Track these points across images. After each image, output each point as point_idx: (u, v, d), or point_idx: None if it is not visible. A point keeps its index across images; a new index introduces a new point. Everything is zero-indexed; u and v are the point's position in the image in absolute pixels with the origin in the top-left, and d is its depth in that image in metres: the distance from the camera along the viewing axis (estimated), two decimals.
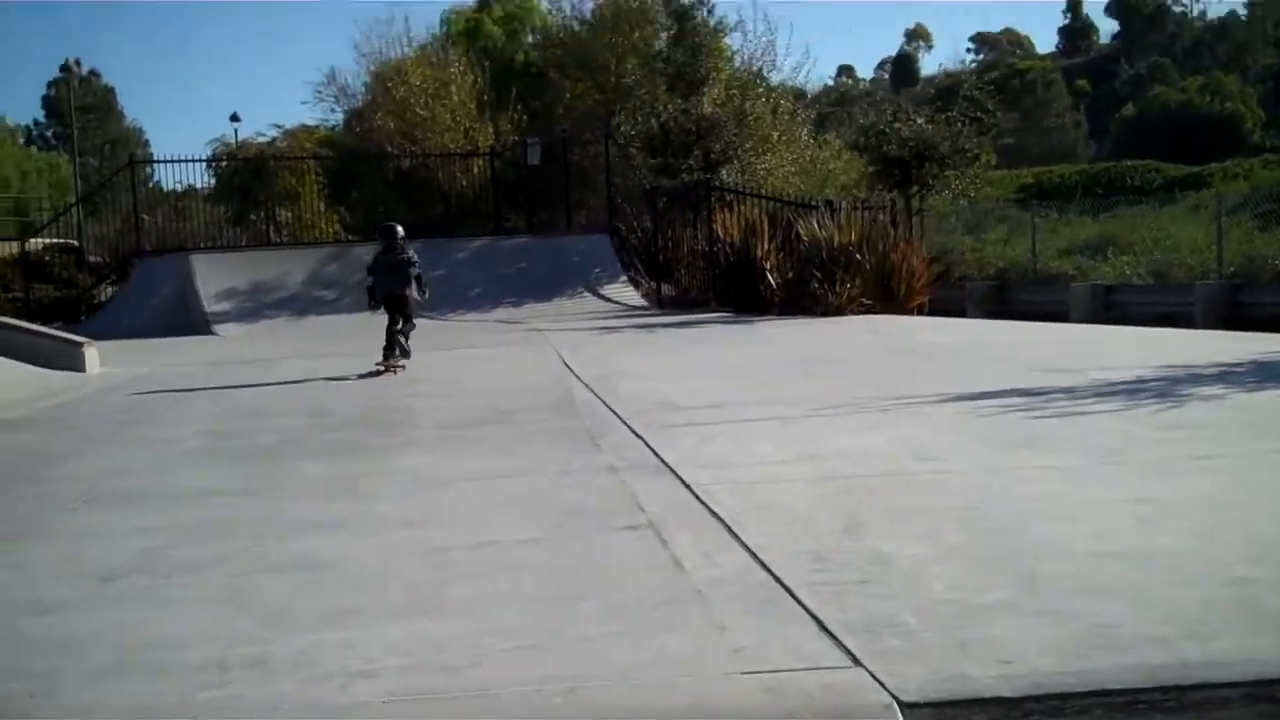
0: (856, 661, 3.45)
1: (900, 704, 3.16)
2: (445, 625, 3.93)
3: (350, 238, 29.57)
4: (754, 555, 4.63)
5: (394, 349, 12.88)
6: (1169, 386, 8.67)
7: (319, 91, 37.02)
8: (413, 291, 13.29)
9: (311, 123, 38.75)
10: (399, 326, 13.15)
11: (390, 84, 33.44)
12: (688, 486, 5.97)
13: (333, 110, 37.95)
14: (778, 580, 4.29)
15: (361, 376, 12.18)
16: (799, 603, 4.02)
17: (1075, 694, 3.21)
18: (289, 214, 31.02)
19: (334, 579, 4.59)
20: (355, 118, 36.74)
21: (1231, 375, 9.16)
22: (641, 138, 25.59)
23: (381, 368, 12.59)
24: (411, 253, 13.72)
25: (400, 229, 13.91)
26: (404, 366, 12.75)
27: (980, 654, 3.47)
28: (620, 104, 29.54)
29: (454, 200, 29.94)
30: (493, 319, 20.63)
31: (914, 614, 3.85)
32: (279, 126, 39.86)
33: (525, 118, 34.00)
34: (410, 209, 31.04)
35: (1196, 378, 9.05)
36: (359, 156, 32.33)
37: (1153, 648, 3.46)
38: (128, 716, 3.33)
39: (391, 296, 13.32)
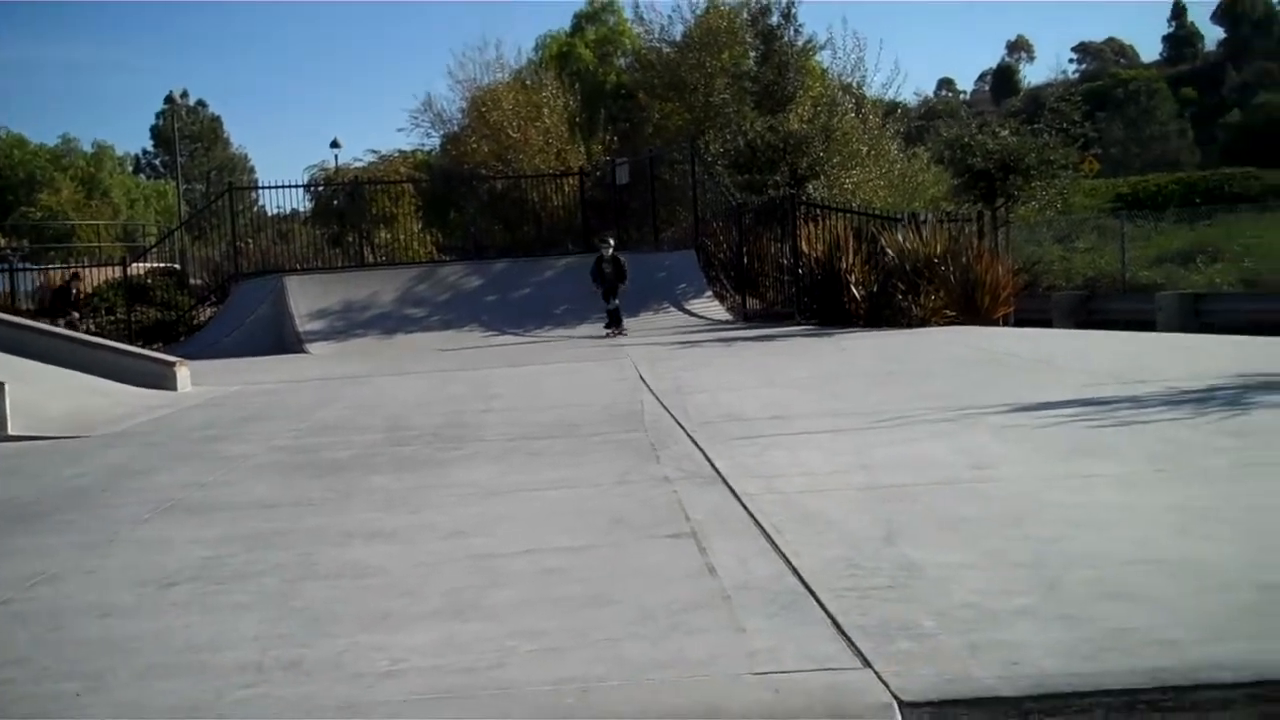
0: (866, 663, 3.52)
1: (900, 703, 3.22)
2: (475, 628, 4.06)
3: (443, 257, 30.07)
4: (788, 562, 4.71)
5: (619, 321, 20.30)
6: (1240, 395, 8.57)
7: (415, 117, 37.82)
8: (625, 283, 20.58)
9: (408, 148, 39.53)
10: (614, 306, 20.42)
11: (484, 108, 34.01)
12: (736, 496, 6.06)
13: (429, 135, 38.76)
14: (806, 585, 4.37)
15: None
16: (822, 607, 4.10)
17: (1075, 694, 3.25)
18: (385, 235, 31.64)
19: (378, 585, 4.74)
20: (450, 142, 37.40)
21: None
22: (728, 155, 25.70)
23: (615, 332, 19.94)
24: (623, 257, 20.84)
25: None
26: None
27: (989, 656, 3.52)
28: (708, 123, 29.73)
29: (545, 219, 30.37)
30: (577, 334, 20.84)
31: (932, 618, 3.91)
32: (375, 152, 40.60)
33: (615, 138, 34.36)
34: (503, 228, 31.59)
35: (1272, 386, 8.93)
36: (453, 179, 32.84)
37: (1161, 650, 3.49)
38: (165, 714, 3.50)
39: (613, 286, 20.39)
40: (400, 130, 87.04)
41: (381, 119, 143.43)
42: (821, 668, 3.50)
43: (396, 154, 39.11)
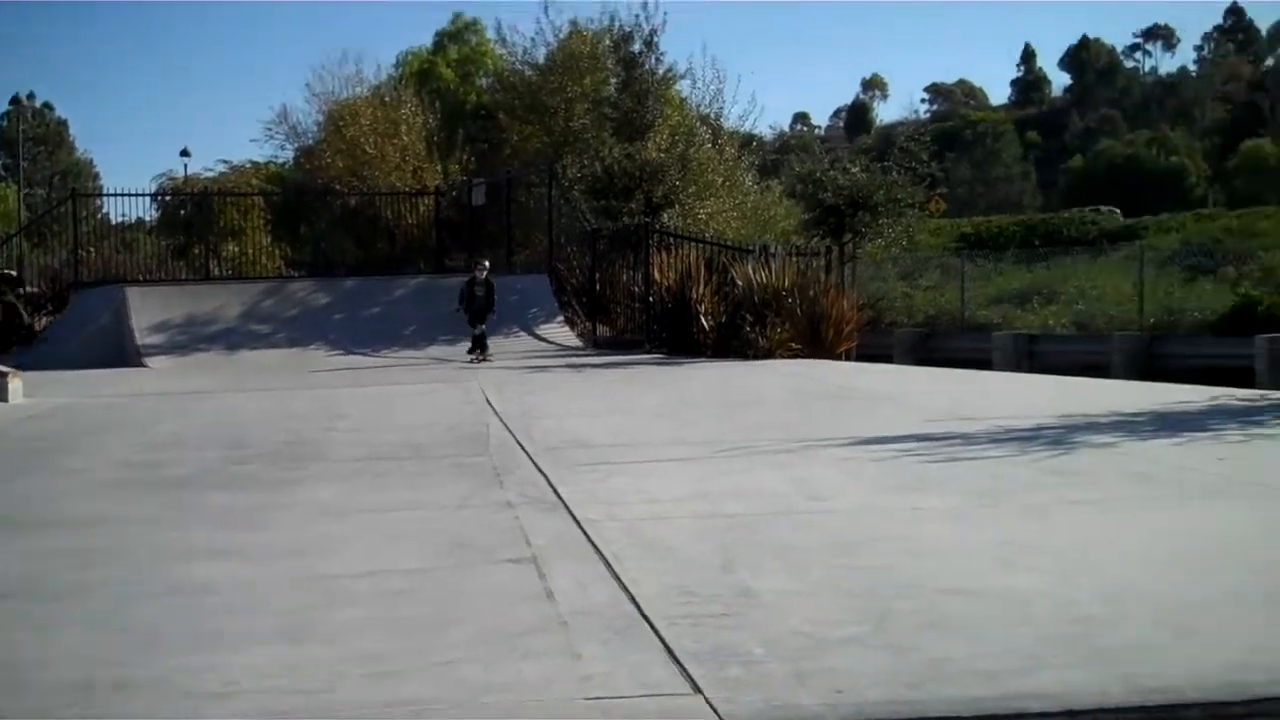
0: (697, 689, 3.60)
1: None
2: (311, 650, 4.05)
3: (292, 273, 29.65)
4: (625, 588, 4.78)
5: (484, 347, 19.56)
6: (1064, 434, 8.91)
7: (270, 129, 37.23)
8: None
9: (260, 159, 38.91)
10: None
11: (341, 123, 33.66)
12: (578, 522, 6.12)
13: (282, 148, 38.20)
14: (642, 612, 4.44)
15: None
16: (656, 633, 4.17)
17: None
18: (233, 249, 31.09)
19: (212, 604, 4.69)
20: (305, 155, 36.93)
21: (1128, 424, 9.41)
22: (585, 180, 25.81)
23: (478, 357, 19.13)
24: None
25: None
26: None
27: (816, 684, 3.63)
28: (567, 147, 29.82)
29: (399, 238, 30.16)
30: (426, 356, 20.71)
31: (763, 645, 4.01)
32: (226, 162, 39.93)
33: (473, 158, 34.25)
34: (355, 246, 31.25)
35: (1093, 426, 9.30)
36: (305, 193, 32.43)
37: (980, 680, 3.63)
38: None
39: (482, 311, 19.84)
40: (254, 141, 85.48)
41: (234, 129, 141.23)
42: (653, 693, 3.57)
43: (248, 165, 38.56)
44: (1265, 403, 11.19)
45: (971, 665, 3.77)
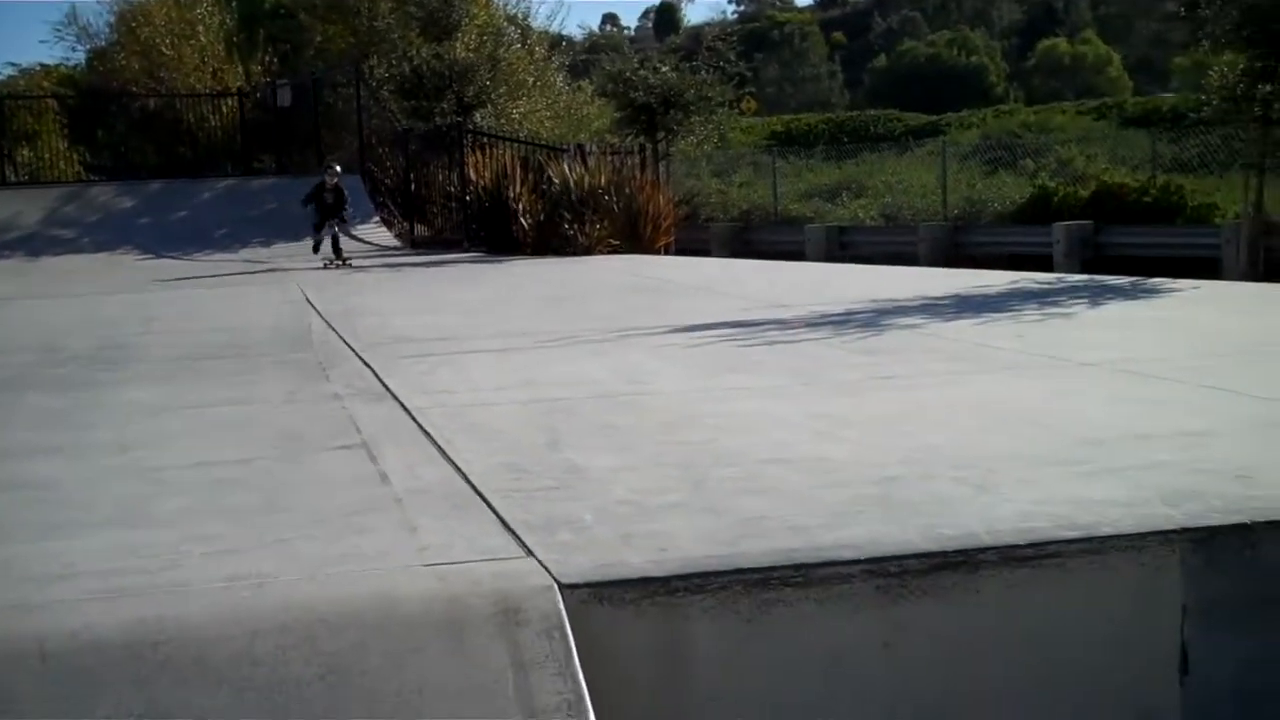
0: (530, 553, 3.77)
1: (560, 585, 3.50)
2: (148, 534, 4.11)
3: (92, 178, 28.69)
4: (457, 468, 4.93)
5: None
6: (874, 318, 9.30)
7: (58, 30, 35.64)
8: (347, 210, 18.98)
9: (51, 62, 37.34)
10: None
11: (135, 24, 32.41)
12: (406, 410, 6.23)
13: (74, 49, 36.63)
14: (474, 488, 4.60)
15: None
16: (490, 506, 4.33)
17: (716, 572, 3.60)
18: (28, 153, 29.90)
19: (44, 497, 4.70)
20: (98, 57, 35.45)
21: (933, 307, 9.86)
22: (394, 81, 25.42)
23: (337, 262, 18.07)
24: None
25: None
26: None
27: (642, 544, 3.84)
28: (373, 48, 29.23)
29: (203, 141, 29.34)
30: (240, 258, 20.36)
31: (591, 513, 4.20)
32: (15, 65, 38.23)
33: (275, 60, 33.33)
34: (157, 150, 30.26)
35: (901, 310, 9.72)
36: (101, 96, 31.25)
37: (793, 535, 3.88)
38: None
39: (332, 213, 18.59)
40: (43, 43, 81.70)
41: (21, 31, 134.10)
42: (488, 558, 3.74)
43: (38, 68, 36.95)
44: (1061, 285, 11.78)
45: (785, 523, 4.02)
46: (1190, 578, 3.80)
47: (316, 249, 18.96)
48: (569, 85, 32.42)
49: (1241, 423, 5.29)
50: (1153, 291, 10.68)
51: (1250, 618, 3.86)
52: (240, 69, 32.19)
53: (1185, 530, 3.84)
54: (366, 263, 18.66)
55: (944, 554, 3.73)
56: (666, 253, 19.47)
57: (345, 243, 21.64)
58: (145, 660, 3.14)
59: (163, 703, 3.07)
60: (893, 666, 3.66)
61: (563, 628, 3.35)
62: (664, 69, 22.13)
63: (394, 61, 26.20)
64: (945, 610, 3.68)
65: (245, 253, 20.96)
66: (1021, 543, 3.79)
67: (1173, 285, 11.00)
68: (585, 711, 3.19)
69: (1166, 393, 6.03)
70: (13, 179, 27.08)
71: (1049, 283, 11.96)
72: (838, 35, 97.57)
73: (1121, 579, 3.78)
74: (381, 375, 7.37)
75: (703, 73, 22.41)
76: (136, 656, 3.15)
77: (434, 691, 3.18)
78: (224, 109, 29.14)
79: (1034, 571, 3.74)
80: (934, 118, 39.21)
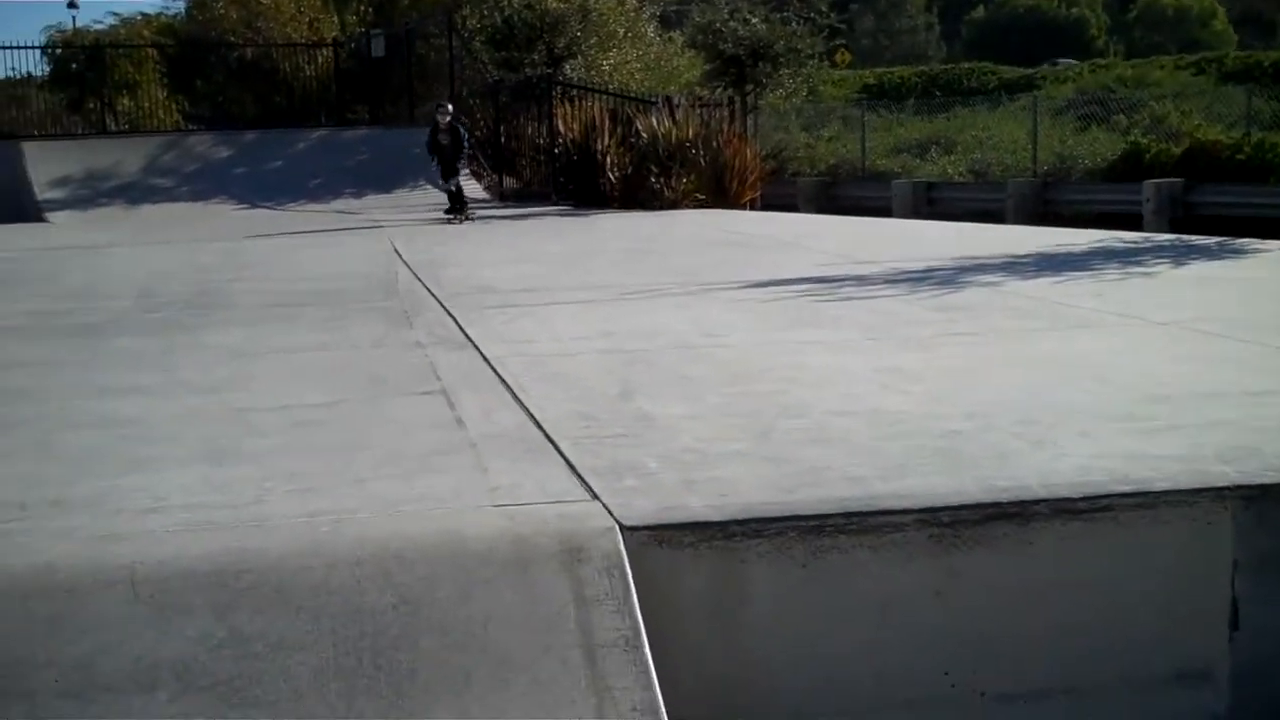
0: (595, 496, 3.92)
1: (622, 527, 3.64)
2: (234, 471, 4.31)
3: (190, 127, 29.24)
4: (530, 415, 5.09)
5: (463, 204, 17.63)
6: (954, 275, 9.32)
7: None
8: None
9: (151, 11, 38.04)
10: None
11: None
12: (485, 359, 6.40)
13: None
14: (546, 434, 4.75)
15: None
16: (559, 452, 4.49)
17: (773, 518, 3.73)
18: (128, 103, 30.51)
19: (135, 434, 4.92)
20: (197, 6, 35.96)
21: (1014, 265, 9.85)
22: (486, 32, 25.61)
23: (459, 217, 17.22)
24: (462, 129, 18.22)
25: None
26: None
27: (704, 490, 3.97)
28: None
29: (298, 92, 29.74)
30: (332, 209, 20.70)
31: (657, 460, 4.34)
32: (116, 15, 38.95)
33: (370, 9, 33.63)
34: (254, 99, 30.73)
35: (982, 267, 9.72)
36: (200, 45, 31.76)
37: (850, 484, 3.99)
38: None
39: (452, 162, 17.60)
40: None
41: None
42: (555, 501, 3.89)
43: (139, 17, 37.59)
44: (1147, 245, 11.67)
45: (843, 473, 4.12)
46: (1241, 533, 3.86)
47: (452, 207, 17.70)
48: (660, 36, 32.36)
49: None
50: (1239, 252, 10.56)
51: None
52: (336, 19, 32.56)
53: (1238, 487, 3.89)
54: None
55: (998, 505, 3.82)
56: (752, 207, 19.50)
57: (433, 195, 21.97)
58: (228, 588, 3.33)
59: (244, 628, 3.26)
60: (944, 614, 3.76)
61: (622, 567, 3.50)
62: (754, 20, 22.07)
63: (486, 12, 26.38)
64: (998, 560, 3.77)
65: (338, 203, 21.29)
66: (1075, 495, 3.87)
67: (1260, 246, 10.86)
68: (642, 647, 3.34)
69: (1237, 352, 6.03)
70: (113, 128, 27.68)
71: (1134, 242, 11.86)
72: None
73: (1174, 533, 3.84)
74: (463, 324, 7.55)
75: (793, 24, 22.29)
76: (220, 585, 3.35)
77: (499, 622, 3.34)
78: (319, 59, 29.50)
79: (1087, 524, 3.82)
80: (1029, 71, 38.64)
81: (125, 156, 23.04)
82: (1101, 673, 3.83)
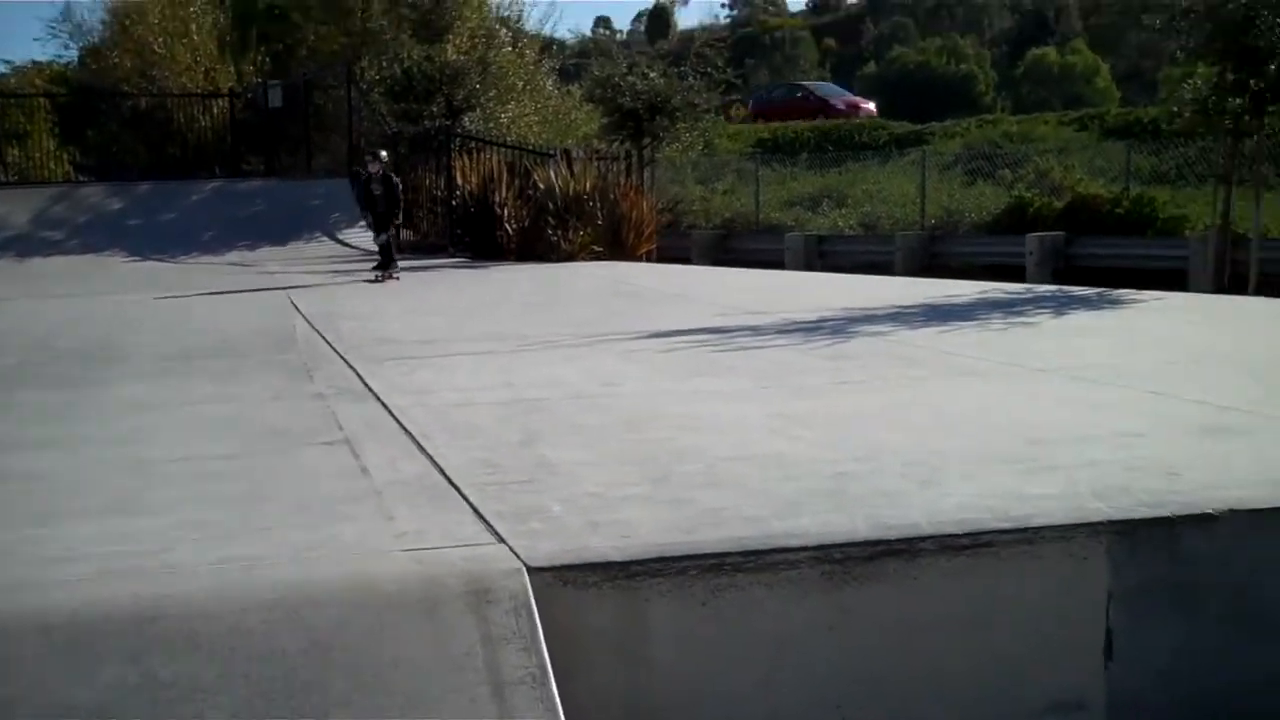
0: (501, 540, 4.04)
1: (528, 568, 3.77)
2: (142, 522, 4.37)
3: (81, 178, 28.90)
4: (434, 463, 5.20)
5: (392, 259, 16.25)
6: (844, 325, 9.59)
7: (53, 27, 35.98)
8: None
9: (44, 59, 37.57)
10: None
11: (128, 21, 32.60)
12: (387, 409, 6.49)
13: (67, 47, 36.90)
14: (450, 481, 4.87)
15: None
16: (464, 498, 4.61)
17: (674, 557, 3.88)
18: (17, 153, 30.09)
19: (41, 488, 4.95)
20: (91, 55, 35.64)
21: (902, 315, 10.15)
22: (385, 83, 25.70)
23: (384, 275, 15.85)
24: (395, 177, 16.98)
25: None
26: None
27: (607, 532, 4.11)
28: (365, 49, 29.51)
29: (192, 142, 29.53)
30: (225, 262, 20.56)
31: (560, 504, 4.48)
32: (8, 62, 38.42)
33: (268, 60, 33.58)
34: (147, 150, 30.44)
35: (871, 318, 10.01)
36: (93, 94, 31.45)
37: (747, 525, 4.16)
38: None
39: (386, 215, 16.34)
40: (37, 40, 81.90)
41: (15, 27, 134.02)
42: (462, 544, 4.01)
43: (30, 65, 37.16)
44: (1029, 295, 12.09)
45: (739, 513, 4.29)
46: (1115, 567, 4.08)
47: (381, 263, 16.30)
48: (559, 89, 32.68)
49: (1178, 426, 5.58)
50: (1116, 302, 10.99)
51: (1171, 605, 4.14)
52: (232, 69, 32.43)
53: (1112, 522, 4.13)
54: (352, 266, 18.87)
55: (887, 542, 4.01)
56: (648, 259, 19.75)
57: (330, 247, 21.95)
58: (142, 635, 3.40)
59: (158, 674, 3.33)
60: (836, 650, 3.94)
61: (529, 606, 3.62)
62: (652, 75, 22.40)
63: (385, 63, 26.49)
64: (886, 595, 3.96)
65: (232, 255, 21.16)
66: (959, 532, 4.07)
67: (1136, 296, 11.31)
68: (548, 683, 3.46)
69: (1113, 397, 6.32)
70: (2, 179, 27.27)
71: (1017, 293, 12.27)
72: (829, 41, 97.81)
73: (1051, 567, 4.06)
74: (364, 376, 7.63)
75: (690, 79, 22.69)
76: (133, 631, 3.42)
77: (409, 663, 3.45)
78: (215, 109, 29.33)
79: (970, 559, 4.02)
80: (919, 126, 39.57)
81: (14, 208, 22.70)
82: (982, 705, 4.01)
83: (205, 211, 23.20)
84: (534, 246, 19.34)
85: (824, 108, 46.30)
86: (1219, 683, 4.14)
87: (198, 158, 28.85)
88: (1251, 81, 15.43)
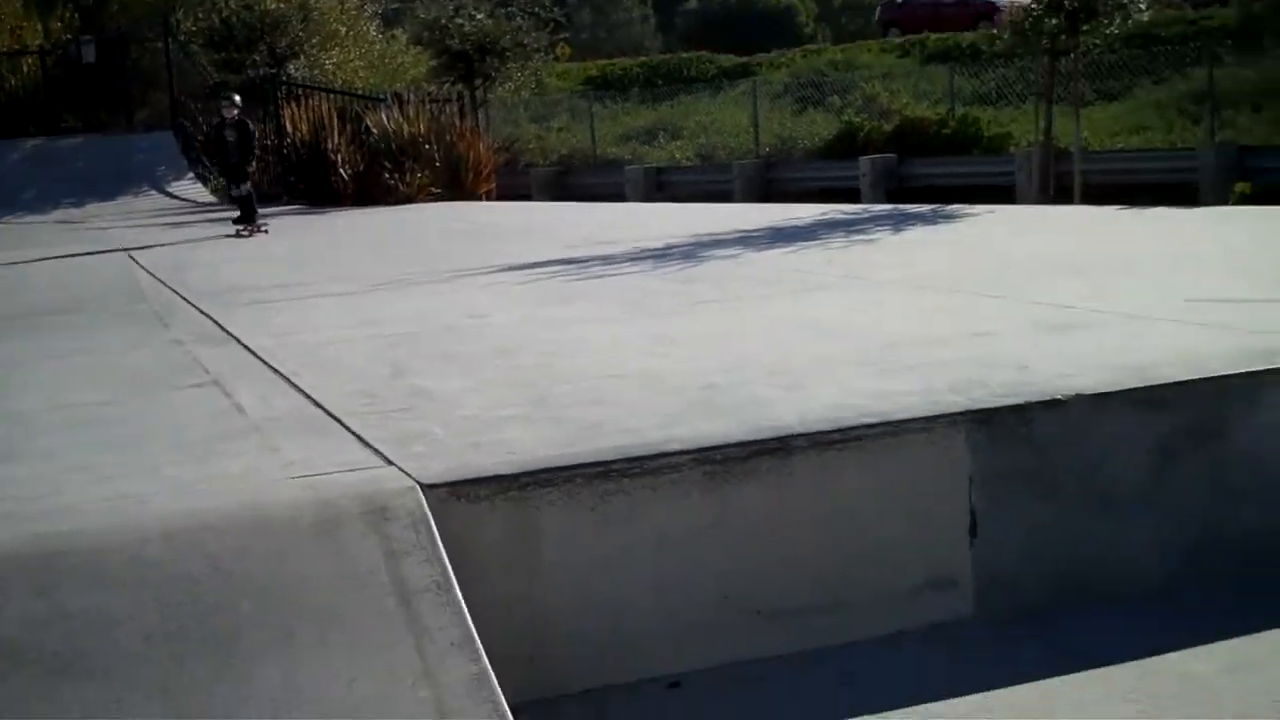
0: (389, 462, 4.14)
1: (421, 485, 3.88)
2: (27, 468, 4.36)
3: None
4: (308, 397, 5.25)
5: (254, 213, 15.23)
6: (693, 250, 9.80)
7: None
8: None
9: None
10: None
11: None
12: (251, 351, 6.50)
13: None
14: (328, 413, 4.93)
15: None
16: (345, 427, 4.68)
17: (560, 468, 4.01)
18: None
19: None
20: None
21: (747, 239, 10.41)
22: (204, 34, 25.13)
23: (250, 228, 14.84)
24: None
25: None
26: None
27: (491, 450, 4.23)
28: (180, 1, 28.77)
29: (3, 101, 28.54)
30: (51, 220, 20.02)
31: (442, 427, 4.58)
32: None
33: (77, 15, 32.51)
34: None
35: (718, 242, 10.25)
36: None
37: (627, 435, 4.31)
38: None
39: (240, 164, 15.56)
40: None
41: None
42: (352, 469, 4.10)
43: None
44: (867, 214, 12.45)
45: (619, 426, 4.45)
46: (975, 453, 4.34)
47: (242, 216, 15.19)
48: (382, 34, 32.26)
49: (1023, 325, 5.90)
50: (950, 216, 11.40)
51: (1027, 486, 4.43)
52: (40, 26, 31.30)
53: (969, 412, 4.38)
54: (185, 218, 18.57)
55: (761, 441, 4.20)
56: (489, 199, 19.77)
57: (160, 200, 21.48)
58: (49, 569, 3.44)
59: (68, 605, 3.37)
60: (720, 543, 4.13)
61: (427, 521, 3.73)
62: (480, 16, 22.32)
63: (202, 14, 25.88)
64: (765, 490, 4.16)
65: (58, 213, 20.61)
66: (829, 429, 4.28)
67: (969, 210, 11.74)
68: (453, 589, 3.59)
69: (959, 303, 6.63)
70: None
71: (856, 213, 12.63)
72: None
73: (916, 457, 4.30)
74: (221, 322, 7.60)
75: (518, 19, 22.65)
76: (39, 568, 3.45)
77: (315, 581, 3.54)
78: (25, 67, 28.33)
79: (840, 454, 4.24)
80: (745, 59, 40.01)
81: None
82: (861, 586, 4.26)
83: (23, 171, 22.55)
84: (370, 191, 19.22)
85: (991, 11, 37.13)
86: (1076, 554, 4.44)
87: (11, 117, 27.86)
88: (1066, 1, 15.99)
